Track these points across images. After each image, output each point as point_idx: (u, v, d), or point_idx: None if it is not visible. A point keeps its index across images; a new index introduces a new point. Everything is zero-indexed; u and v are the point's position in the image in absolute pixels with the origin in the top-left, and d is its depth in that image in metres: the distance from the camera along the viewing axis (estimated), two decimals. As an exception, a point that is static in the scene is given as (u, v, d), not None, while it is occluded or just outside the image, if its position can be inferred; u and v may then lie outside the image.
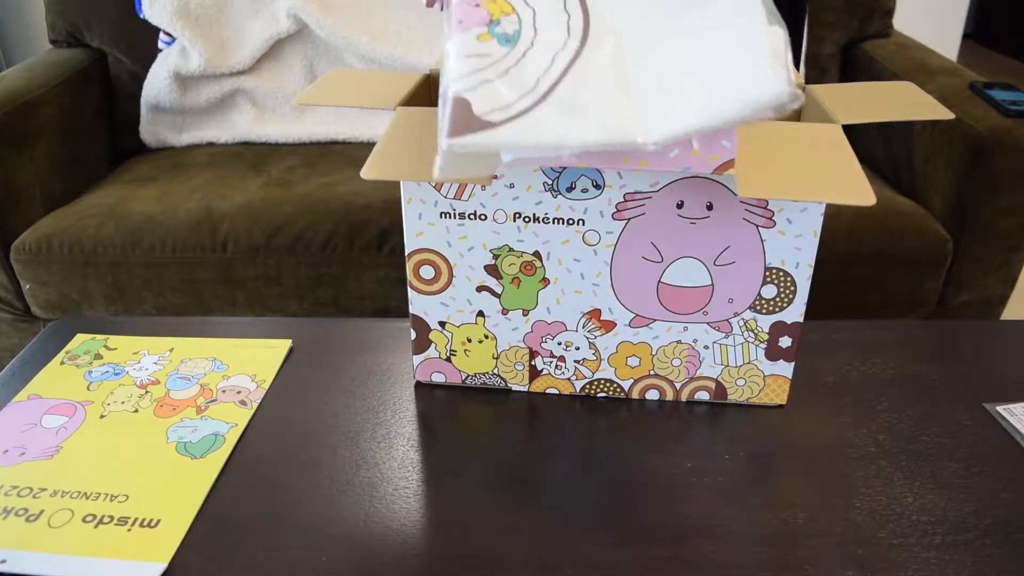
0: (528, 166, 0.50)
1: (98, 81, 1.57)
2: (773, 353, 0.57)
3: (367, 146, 1.55)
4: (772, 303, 0.55)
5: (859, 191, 0.46)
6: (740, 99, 0.42)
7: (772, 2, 0.46)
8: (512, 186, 0.52)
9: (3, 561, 0.46)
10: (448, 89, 0.43)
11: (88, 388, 0.61)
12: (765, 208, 0.51)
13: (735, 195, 0.51)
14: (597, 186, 0.51)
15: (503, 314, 0.57)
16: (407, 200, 0.54)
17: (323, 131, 1.56)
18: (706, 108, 0.43)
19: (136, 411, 0.58)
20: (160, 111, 1.55)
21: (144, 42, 1.55)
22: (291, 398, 0.60)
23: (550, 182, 0.51)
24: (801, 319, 0.55)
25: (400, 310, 1.29)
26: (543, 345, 0.58)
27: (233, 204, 1.29)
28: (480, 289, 0.56)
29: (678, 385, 0.59)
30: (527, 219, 0.53)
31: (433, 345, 0.60)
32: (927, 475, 0.52)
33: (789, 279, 0.54)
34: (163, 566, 0.46)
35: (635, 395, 0.60)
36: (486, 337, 0.58)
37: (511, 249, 0.54)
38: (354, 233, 1.25)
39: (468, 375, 0.61)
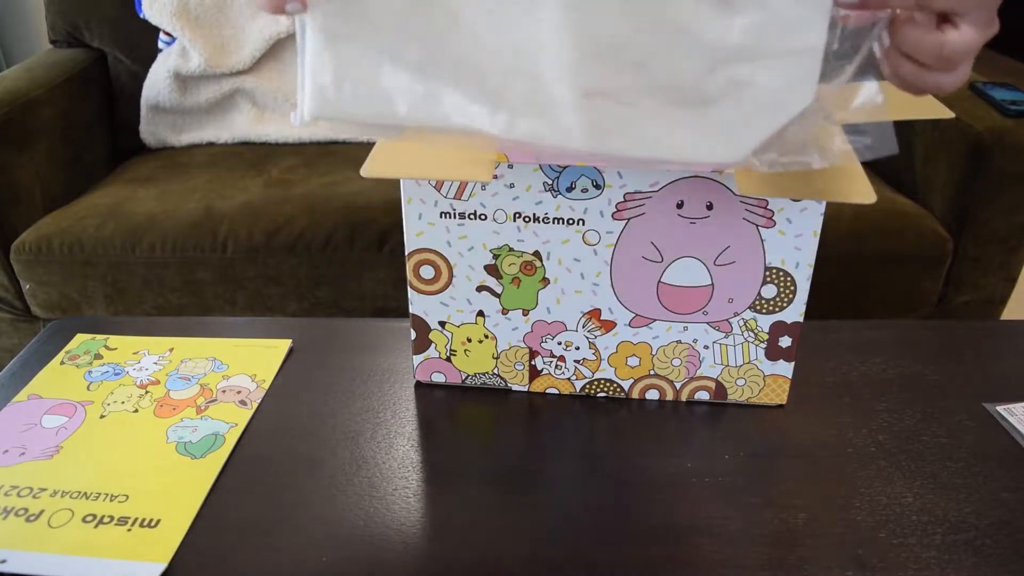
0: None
1: (98, 81, 1.58)
2: (773, 353, 0.57)
3: (367, 146, 1.54)
4: (772, 303, 0.55)
5: (860, 190, 0.46)
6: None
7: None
8: (512, 186, 0.52)
9: (3, 561, 0.46)
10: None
11: (88, 388, 0.61)
12: (765, 208, 0.51)
13: (735, 195, 0.51)
14: (597, 186, 0.51)
15: (503, 314, 0.57)
16: (407, 200, 0.54)
17: (323, 131, 1.56)
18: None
19: (136, 411, 0.58)
20: (160, 111, 1.55)
21: (144, 42, 1.55)
22: (291, 398, 0.60)
23: (550, 182, 0.51)
24: (801, 319, 0.55)
25: (400, 310, 1.29)
26: (543, 345, 0.58)
27: (233, 204, 1.29)
28: (480, 289, 0.56)
29: (678, 385, 0.59)
30: (527, 219, 0.53)
31: (433, 345, 0.60)
32: (927, 475, 0.52)
33: (789, 279, 0.53)
34: (163, 566, 0.46)
35: (635, 395, 0.60)
36: (486, 337, 0.58)
37: (511, 249, 0.54)
38: (354, 233, 1.25)
39: (468, 375, 0.61)
